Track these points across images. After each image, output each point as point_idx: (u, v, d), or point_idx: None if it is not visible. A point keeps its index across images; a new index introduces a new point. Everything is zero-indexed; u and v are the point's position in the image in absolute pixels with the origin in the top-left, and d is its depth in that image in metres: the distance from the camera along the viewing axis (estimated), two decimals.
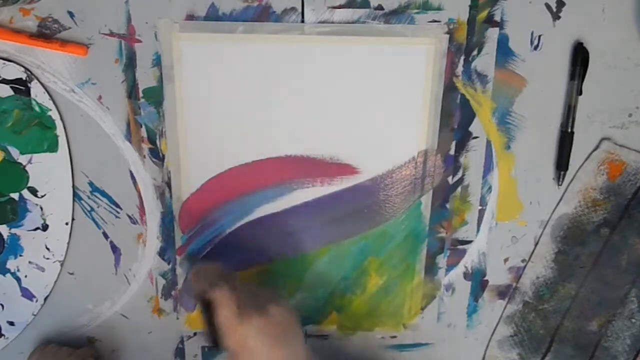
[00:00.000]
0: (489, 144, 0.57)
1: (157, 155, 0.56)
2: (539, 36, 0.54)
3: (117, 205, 0.57)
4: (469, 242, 0.60)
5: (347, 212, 0.58)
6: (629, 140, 0.57)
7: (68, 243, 0.58)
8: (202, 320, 0.50)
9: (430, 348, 0.63)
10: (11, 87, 0.54)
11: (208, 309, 0.48)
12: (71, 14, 0.52)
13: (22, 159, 0.55)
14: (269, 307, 0.47)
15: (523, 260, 0.60)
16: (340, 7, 0.52)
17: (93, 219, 0.58)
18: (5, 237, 0.57)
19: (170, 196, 0.57)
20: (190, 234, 0.58)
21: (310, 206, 0.57)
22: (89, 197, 0.57)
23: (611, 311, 0.61)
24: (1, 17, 0.52)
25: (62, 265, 0.58)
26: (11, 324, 0.60)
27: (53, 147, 0.55)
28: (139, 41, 0.53)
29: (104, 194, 0.57)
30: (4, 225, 0.57)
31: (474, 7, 0.52)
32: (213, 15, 0.52)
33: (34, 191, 0.56)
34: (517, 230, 0.59)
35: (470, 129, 0.56)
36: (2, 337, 0.60)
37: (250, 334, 0.46)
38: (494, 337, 0.63)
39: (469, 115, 0.56)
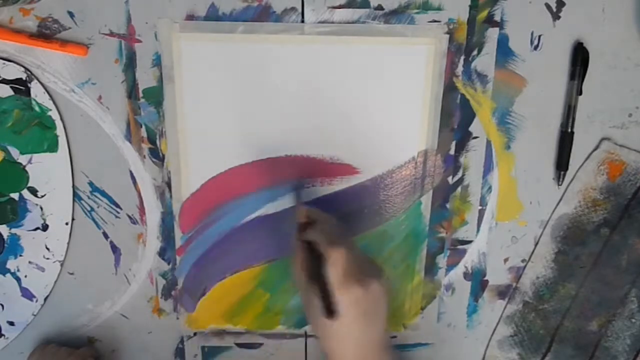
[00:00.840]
0: (489, 144, 0.57)
1: (157, 155, 0.56)
2: (539, 36, 0.54)
3: (117, 205, 0.57)
4: (469, 242, 0.60)
5: (347, 212, 0.58)
6: (629, 140, 0.57)
7: (68, 243, 0.58)
8: (301, 266, 0.47)
9: (430, 348, 0.63)
10: (11, 87, 0.54)
11: (312, 259, 0.46)
12: (71, 14, 0.52)
13: (22, 159, 0.55)
14: (371, 281, 0.46)
15: (523, 260, 0.60)
16: (340, 7, 0.52)
17: (93, 219, 0.58)
18: (5, 237, 0.57)
19: (170, 196, 0.57)
20: (190, 234, 0.58)
21: (311, 206, 0.57)
22: (89, 197, 0.57)
23: (611, 311, 0.61)
24: (1, 17, 0.52)
25: (62, 265, 0.58)
26: (11, 324, 0.60)
27: (53, 147, 0.55)
28: (139, 41, 0.53)
29: (104, 194, 0.57)
30: (4, 225, 0.57)
31: (474, 7, 0.52)
32: (213, 15, 0.52)
33: (34, 191, 0.56)
34: (517, 230, 0.59)
35: (470, 129, 0.56)
36: (2, 337, 0.60)
37: (344, 302, 0.44)
38: (494, 337, 0.63)
39: (469, 115, 0.56)
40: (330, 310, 0.44)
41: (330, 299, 0.44)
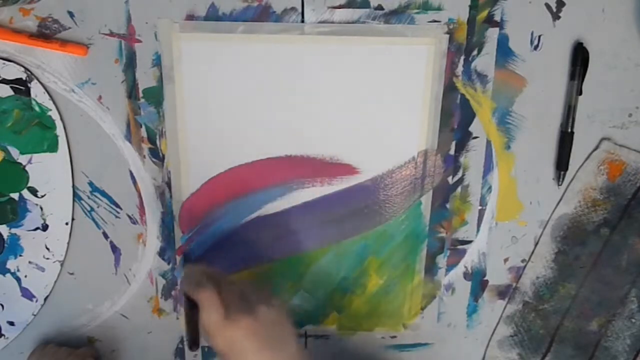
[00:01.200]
0: (489, 144, 0.57)
1: (157, 155, 0.56)
2: (539, 36, 0.54)
3: (117, 205, 0.57)
4: (469, 242, 0.60)
5: (347, 212, 0.58)
6: (629, 140, 0.57)
7: (68, 243, 0.58)
8: (185, 319, 0.49)
9: (430, 348, 0.63)
10: (11, 87, 0.54)
11: (193, 310, 0.48)
12: (71, 14, 0.52)
13: (22, 159, 0.55)
14: (258, 308, 0.47)
15: (523, 260, 0.60)
16: (340, 7, 0.52)
17: (93, 219, 0.58)
18: (5, 237, 0.57)
19: (170, 196, 0.57)
20: (190, 234, 0.58)
21: (310, 206, 0.57)
22: (89, 197, 0.57)
23: (611, 311, 0.61)
24: (1, 17, 0.52)
25: (62, 265, 0.58)
26: (11, 324, 0.60)
27: (53, 147, 0.55)
28: (139, 41, 0.53)
29: (104, 194, 0.57)
30: (4, 225, 0.57)
31: (474, 7, 0.52)
32: (213, 15, 0.52)
33: (34, 191, 0.56)
34: (517, 230, 0.59)
35: (470, 129, 0.56)
36: (2, 337, 0.60)
37: (238, 336, 0.45)
38: (494, 337, 0.63)
39: (469, 115, 0.56)
40: (189, 343, 0.49)
41: (192, 334, 0.48)
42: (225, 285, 0.48)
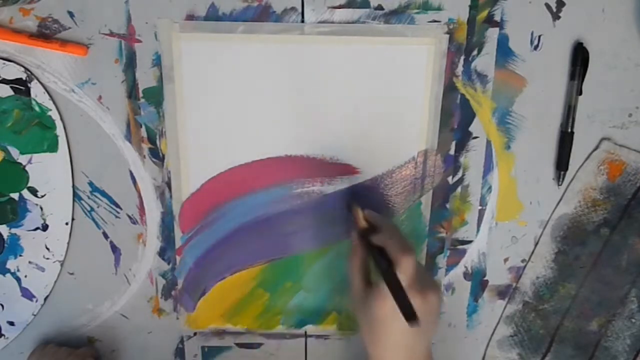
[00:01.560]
0: (489, 144, 0.57)
1: (157, 155, 0.56)
2: (539, 36, 0.54)
3: (117, 205, 0.57)
4: (469, 242, 0.60)
5: (347, 212, 0.58)
6: (629, 140, 0.57)
7: (68, 243, 0.58)
8: (392, 286, 0.46)
9: None
10: (11, 87, 0.54)
11: (379, 262, 0.46)
12: (71, 14, 0.52)
13: (22, 159, 0.55)
14: (429, 292, 0.46)
15: (523, 260, 0.60)
16: (340, 7, 0.52)
17: (93, 219, 0.58)
18: (5, 237, 0.57)
19: (170, 196, 0.57)
20: (190, 234, 0.58)
21: (310, 206, 0.57)
22: (89, 197, 0.57)
23: (611, 311, 0.61)
24: (1, 17, 0.52)
25: (62, 265, 0.58)
26: (11, 324, 0.60)
27: (53, 147, 0.55)
28: (139, 41, 0.53)
29: (104, 194, 0.57)
30: (4, 225, 0.57)
31: (474, 7, 0.52)
32: (213, 15, 0.52)
33: (34, 191, 0.56)
34: (517, 230, 0.59)
35: (470, 129, 0.56)
36: (2, 337, 0.60)
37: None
38: (494, 337, 0.63)
39: (469, 115, 0.56)
40: (410, 316, 0.43)
41: (407, 304, 0.44)
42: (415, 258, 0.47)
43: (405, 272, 0.45)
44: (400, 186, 0.57)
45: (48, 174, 0.56)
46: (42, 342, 0.61)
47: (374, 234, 0.49)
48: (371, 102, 0.55)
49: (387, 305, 0.45)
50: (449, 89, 0.55)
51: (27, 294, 0.59)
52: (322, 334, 0.63)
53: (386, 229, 0.50)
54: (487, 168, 0.57)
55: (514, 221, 0.59)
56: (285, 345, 0.63)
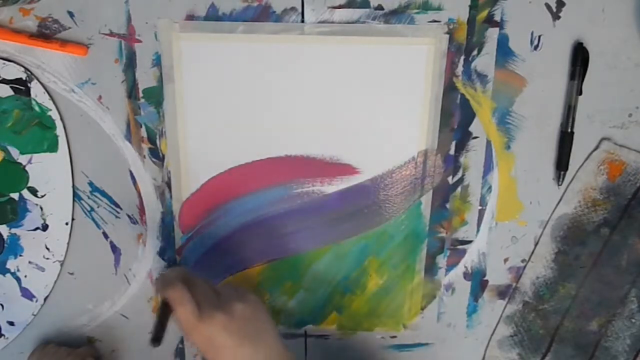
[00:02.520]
0: (489, 144, 0.57)
1: (157, 155, 0.56)
2: (539, 36, 0.54)
3: (117, 205, 0.57)
4: (469, 242, 0.60)
5: (347, 212, 0.58)
6: (629, 140, 0.57)
7: (68, 243, 0.58)
8: (155, 316, 0.48)
9: (430, 348, 0.63)
10: (11, 87, 0.54)
11: (165, 309, 0.48)
12: (71, 14, 0.52)
13: (22, 159, 0.55)
14: (233, 304, 0.47)
15: (523, 260, 0.60)
16: (340, 7, 0.52)
17: (93, 219, 0.58)
18: (5, 237, 0.57)
19: (170, 196, 0.57)
20: (190, 234, 0.58)
21: (310, 206, 0.57)
22: (89, 197, 0.57)
23: (611, 311, 0.61)
24: (1, 17, 0.52)
25: (62, 265, 0.58)
26: (11, 324, 0.60)
27: (53, 147, 0.55)
28: (139, 41, 0.53)
29: (104, 194, 0.57)
30: (4, 225, 0.57)
31: (474, 7, 0.52)
32: (213, 15, 0.52)
33: (34, 191, 0.56)
34: (517, 230, 0.59)
35: (470, 129, 0.56)
36: (2, 337, 0.60)
37: (214, 332, 0.46)
38: (494, 337, 0.63)
39: (469, 115, 0.56)
40: (153, 339, 0.47)
41: (156, 329, 0.47)
42: (199, 284, 0.48)
43: (180, 302, 0.46)
44: (400, 186, 0.57)
45: (48, 174, 0.56)
46: (42, 342, 0.61)
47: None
48: (371, 102, 0.55)
49: (200, 338, 0.46)
50: (449, 89, 0.55)
51: (27, 294, 0.59)
52: (322, 334, 0.63)
53: (157, 281, 0.53)
54: (487, 168, 0.57)
55: (514, 221, 0.59)
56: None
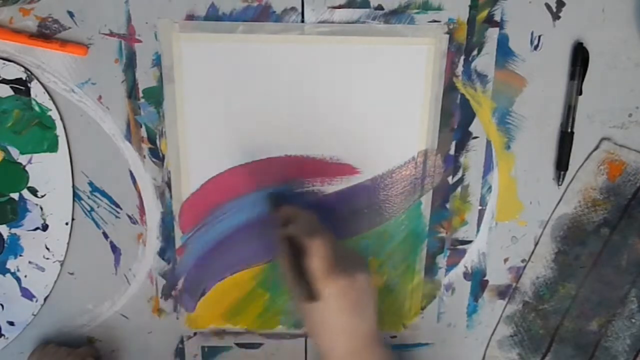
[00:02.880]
0: (489, 144, 0.57)
1: (157, 155, 0.56)
2: (539, 36, 0.54)
3: (117, 205, 0.57)
4: (469, 242, 0.60)
5: (347, 212, 0.58)
6: (629, 140, 0.57)
7: (68, 243, 0.58)
8: (286, 261, 0.47)
9: (430, 348, 0.63)
10: (11, 87, 0.54)
11: (295, 253, 0.47)
12: (71, 14, 0.52)
13: (22, 159, 0.55)
14: (356, 272, 0.46)
15: (523, 260, 0.60)
16: (340, 7, 0.52)
17: (93, 219, 0.58)
18: (5, 237, 0.57)
19: (170, 196, 0.57)
20: (190, 234, 0.58)
21: (310, 206, 0.57)
22: (89, 197, 0.57)
23: (611, 311, 0.61)
24: (1, 17, 0.52)
25: (62, 265, 0.58)
26: (11, 324, 0.60)
27: (53, 147, 0.55)
28: (139, 41, 0.53)
29: (104, 194, 0.57)
30: (4, 225, 0.57)
31: (474, 7, 0.52)
32: (213, 15, 0.52)
33: (34, 191, 0.56)
34: (517, 230, 0.59)
35: (470, 129, 0.56)
36: (2, 337, 0.60)
37: (331, 292, 0.45)
38: (494, 337, 0.63)
39: (469, 115, 0.56)
40: (310, 294, 0.44)
41: (310, 285, 0.45)
42: (332, 240, 0.47)
43: (315, 255, 0.45)
44: (400, 186, 0.57)
45: (48, 174, 0.56)
46: (42, 342, 0.61)
47: (289, 225, 0.50)
48: (371, 102, 0.55)
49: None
50: (449, 89, 0.55)
51: (27, 294, 0.59)
52: None
53: (299, 219, 0.50)
54: (487, 168, 0.57)
55: (514, 221, 0.59)
56: (285, 345, 0.63)
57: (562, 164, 0.57)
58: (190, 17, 0.52)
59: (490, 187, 0.58)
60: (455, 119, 0.56)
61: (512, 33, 0.53)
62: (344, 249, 0.48)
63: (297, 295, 0.47)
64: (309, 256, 0.46)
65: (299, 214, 0.51)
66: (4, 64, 0.53)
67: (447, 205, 0.58)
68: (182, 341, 0.62)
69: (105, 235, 0.58)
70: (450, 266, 0.60)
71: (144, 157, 0.56)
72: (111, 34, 0.53)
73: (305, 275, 0.46)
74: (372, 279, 0.48)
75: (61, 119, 0.55)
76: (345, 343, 0.46)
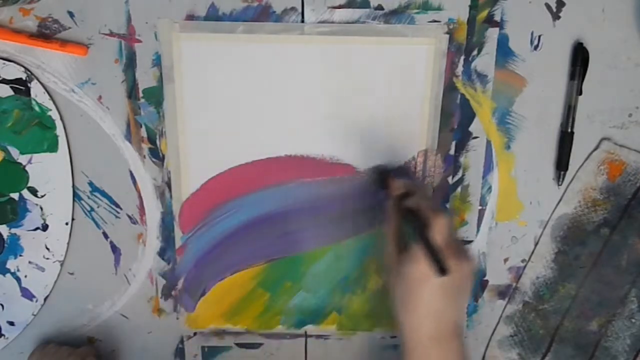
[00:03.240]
0: (489, 144, 0.57)
1: (157, 155, 0.56)
2: (539, 36, 0.54)
3: (117, 205, 0.57)
4: (469, 242, 0.60)
5: (347, 212, 0.58)
6: (629, 140, 0.57)
7: (68, 243, 0.58)
8: (395, 232, 0.47)
9: None
10: (11, 87, 0.54)
11: (413, 225, 0.46)
12: (71, 14, 0.52)
13: (22, 159, 0.55)
14: (464, 258, 0.46)
15: (523, 260, 0.60)
16: (340, 7, 0.52)
17: (93, 219, 0.58)
18: (5, 237, 0.57)
19: (170, 196, 0.57)
20: (190, 234, 0.58)
21: (310, 206, 0.57)
22: (89, 197, 0.57)
23: (611, 311, 0.61)
24: (1, 17, 0.52)
25: (62, 265, 0.58)
26: (11, 324, 0.60)
27: (53, 147, 0.55)
28: (139, 41, 0.53)
29: (104, 194, 0.57)
30: (4, 225, 0.57)
31: (474, 7, 0.52)
32: (213, 15, 0.52)
33: (34, 191, 0.56)
34: (517, 230, 0.59)
35: (470, 129, 0.56)
36: (2, 337, 0.60)
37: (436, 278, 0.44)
38: (494, 337, 0.63)
39: (469, 115, 0.56)
40: (441, 268, 0.43)
41: (438, 257, 0.43)
42: (452, 220, 0.48)
43: (439, 231, 0.45)
44: None
45: (48, 174, 0.56)
46: (42, 342, 0.61)
47: (408, 198, 0.49)
48: (371, 102, 0.55)
49: (419, 268, 0.45)
50: (449, 89, 0.55)
51: (27, 294, 0.59)
52: (322, 334, 0.63)
53: (420, 193, 0.50)
54: (487, 168, 0.57)
55: (514, 221, 0.59)
56: (285, 345, 0.63)
57: (562, 164, 0.57)
58: (190, 17, 0.52)
59: (490, 187, 0.58)
60: (455, 119, 0.56)
61: (512, 33, 0.53)
62: (455, 235, 0.49)
63: (399, 274, 0.46)
64: (432, 231, 0.45)
65: (419, 187, 0.51)
66: (4, 64, 0.53)
67: (447, 205, 0.58)
68: (182, 341, 0.62)
69: (105, 235, 0.58)
70: None
71: (144, 157, 0.56)
72: (111, 34, 0.53)
73: (428, 247, 0.44)
74: (473, 269, 0.48)
75: (61, 119, 0.55)
76: (431, 326, 0.46)
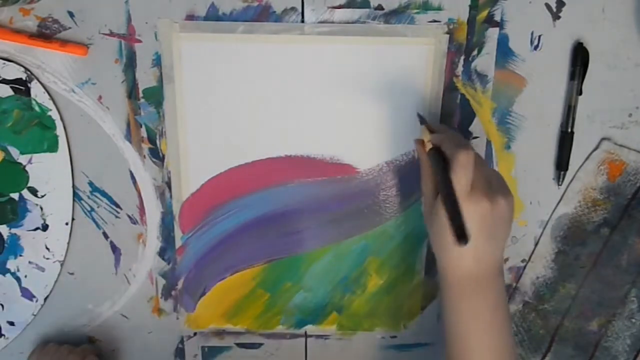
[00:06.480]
0: (489, 144, 0.57)
1: (157, 155, 0.56)
2: (539, 36, 0.54)
3: (117, 205, 0.57)
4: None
5: (347, 212, 0.58)
6: (629, 140, 0.57)
7: (68, 243, 0.58)
8: (435, 171, 0.45)
9: (430, 348, 0.63)
10: (11, 87, 0.54)
11: (442, 167, 0.45)
12: (71, 14, 0.52)
13: (22, 159, 0.55)
14: (498, 196, 0.44)
15: (523, 260, 0.60)
16: (340, 7, 0.52)
17: (93, 219, 0.58)
18: (5, 237, 0.58)
19: (170, 196, 0.57)
20: (190, 234, 0.58)
21: (310, 206, 0.57)
22: (89, 197, 0.57)
23: (611, 311, 0.61)
24: (1, 17, 0.52)
25: (62, 265, 0.58)
26: (11, 324, 0.60)
27: (53, 147, 0.55)
28: (139, 41, 0.53)
29: (104, 194, 0.57)
30: (4, 225, 0.57)
31: (474, 7, 0.52)
32: (213, 15, 0.52)
33: (34, 191, 0.56)
34: (517, 230, 0.59)
35: (470, 129, 0.56)
36: (2, 337, 0.60)
37: (471, 214, 0.43)
38: None
39: (469, 115, 0.56)
40: (459, 235, 0.40)
41: (459, 221, 0.41)
42: (481, 162, 0.45)
43: (463, 167, 0.43)
44: (400, 186, 0.57)
45: (48, 174, 0.56)
46: (42, 342, 0.61)
47: (435, 135, 0.48)
48: (371, 101, 0.55)
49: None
50: (449, 89, 0.55)
51: (27, 294, 0.59)
52: (322, 334, 0.63)
53: (447, 132, 0.49)
54: None
55: (514, 221, 0.59)
56: (285, 345, 0.63)
57: (562, 164, 0.57)
58: (190, 17, 0.52)
59: None
60: (455, 119, 0.56)
61: (512, 33, 0.53)
62: (489, 169, 0.46)
63: (436, 224, 0.45)
64: (453, 170, 0.43)
65: (447, 128, 0.50)
66: (4, 64, 0.53)
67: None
68: (182, 341, 0.62)
69: (105, 235, 0.58)
70: None
71: (144, 157, 0.56)
72: (111, 34, 0.53)
73: (450, 201, 0.42)
74: (512, 206, 0.46)
75: (61, 119, 0.55)
76: (469, 266, 0.45)
